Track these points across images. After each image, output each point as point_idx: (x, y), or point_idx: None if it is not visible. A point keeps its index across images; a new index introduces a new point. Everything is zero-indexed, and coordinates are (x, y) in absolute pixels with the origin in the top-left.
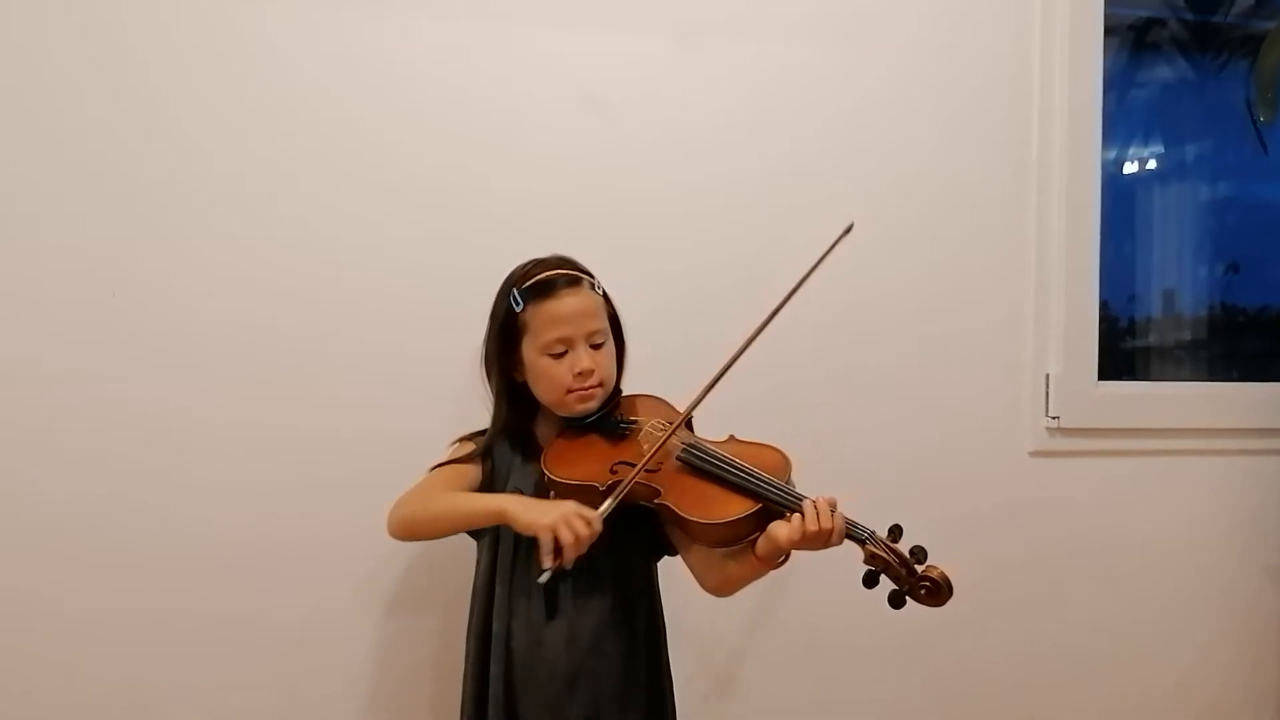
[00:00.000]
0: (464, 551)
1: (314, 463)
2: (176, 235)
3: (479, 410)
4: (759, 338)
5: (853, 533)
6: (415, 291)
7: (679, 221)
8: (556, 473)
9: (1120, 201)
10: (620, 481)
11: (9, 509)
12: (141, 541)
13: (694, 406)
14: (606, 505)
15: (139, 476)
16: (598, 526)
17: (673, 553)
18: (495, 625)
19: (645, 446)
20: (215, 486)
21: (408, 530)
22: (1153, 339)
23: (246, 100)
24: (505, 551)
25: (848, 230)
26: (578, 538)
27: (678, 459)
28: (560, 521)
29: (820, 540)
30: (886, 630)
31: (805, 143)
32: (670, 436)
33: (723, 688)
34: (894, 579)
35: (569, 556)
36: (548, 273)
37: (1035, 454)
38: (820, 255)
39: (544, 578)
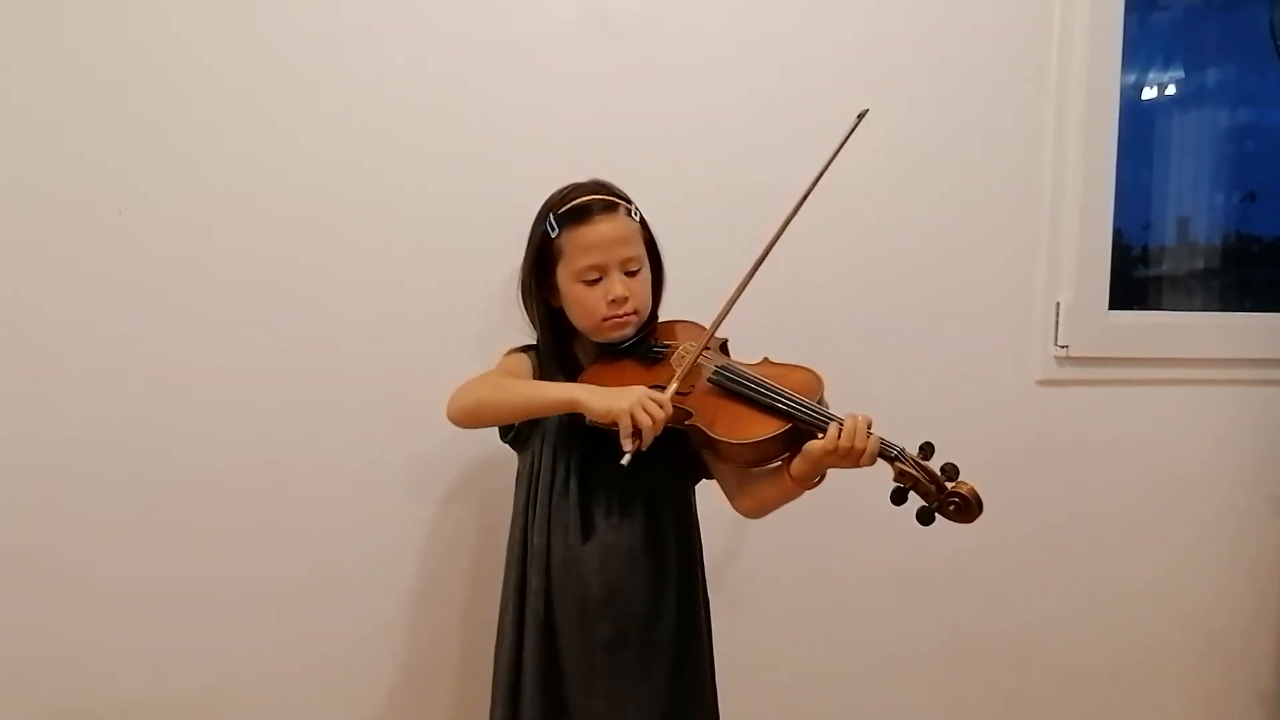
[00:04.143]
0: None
1: (325, 404)
2: (180, 161)
3: (499, 344)
4: (778, 246)
5: (884, 450)
6: (426, 219)
7: (693, 143)
8: None
9: (1137, 127)
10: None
11: (9, 459)
12: (146, 490)
13: (723, 316)
14: (672, 386)
15: (142, 422)
16: (669, 408)
17: (709, 476)
18: (535, 540)
19: (678, 370)
20: (222, 431)
21: (473, 414)
22: (1166, 268)
23: (255, 22)
24: (545, 470)
25: (862, 116)
26: (654, 419)
27: (709, 381)
28: (637, 406)
29: (852, 458)
30: (894, 557)
31: (819, 63)
32: (701, 352)
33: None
34: (923, 495)
35: (647, 439)
36: (583, 198)
37: (1043, 383)
38: (838, 145)
39: (626, 460)
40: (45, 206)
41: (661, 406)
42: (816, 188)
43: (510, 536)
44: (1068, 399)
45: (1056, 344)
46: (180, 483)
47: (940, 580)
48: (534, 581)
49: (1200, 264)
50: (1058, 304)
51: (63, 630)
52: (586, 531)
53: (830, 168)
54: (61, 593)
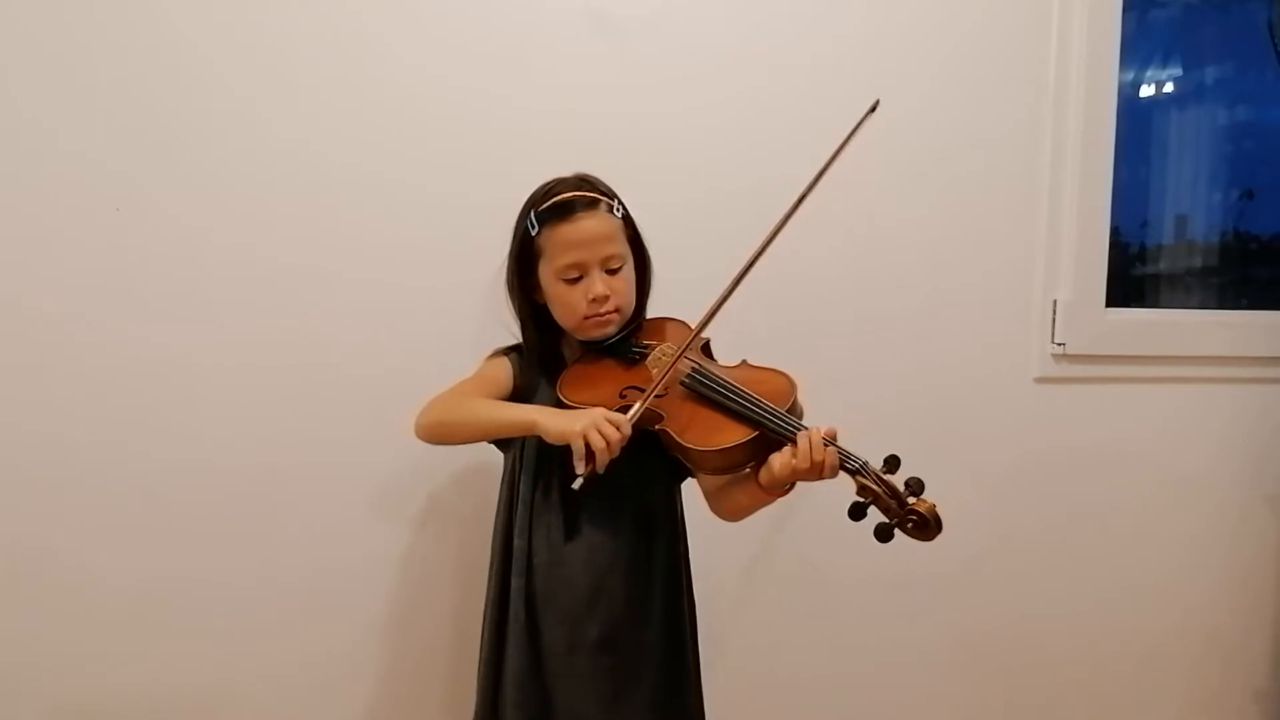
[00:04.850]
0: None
1: (324, 404)
2: (179, 159)
3: (499, 344)
4: (774, 244)
5: (844, 464)
6: (424, 217)
7: (693, 142)
8: (568, 396)
9: (1135, 125)
10: (630, 406)
11: (9, 459)
12: (146, 490)
13: (706, 321)
14: (635, 409)
15: (139, 422)
16: (627, 430)
17: (693, 474)
18: (516, 542)
19: (653, 371)
20: (219, 431)
21: (436, 434)
22: (1163, 266)
23: (255, 21)
24: (527, 471)
25: (873, 108)
26: (609, 442)
27: (682, 384)
28: (591, 427)
29: (814, 472)
30: (889, 558)
31: (817, 63)
32: (679, 360)
33: (729, 612)
34: (883, 510)
35: (601, 461)
36: (564, 194)
37: (1040, 380)
38: (847, 135)
39: (578, 484)
40: (44, 204)
41: (619, 428)
42: (813, 186)
43: (493, 538)
44: (1065, 397)
45: (1054, 342)
46: (180, 482)
47: (935, 580)
48: (515, 583)
49: (1198, 262)
50: (1055, 301)
51: (63, 630)
52: (570, 532)
53: (830, 163)
54: (62, 593)
